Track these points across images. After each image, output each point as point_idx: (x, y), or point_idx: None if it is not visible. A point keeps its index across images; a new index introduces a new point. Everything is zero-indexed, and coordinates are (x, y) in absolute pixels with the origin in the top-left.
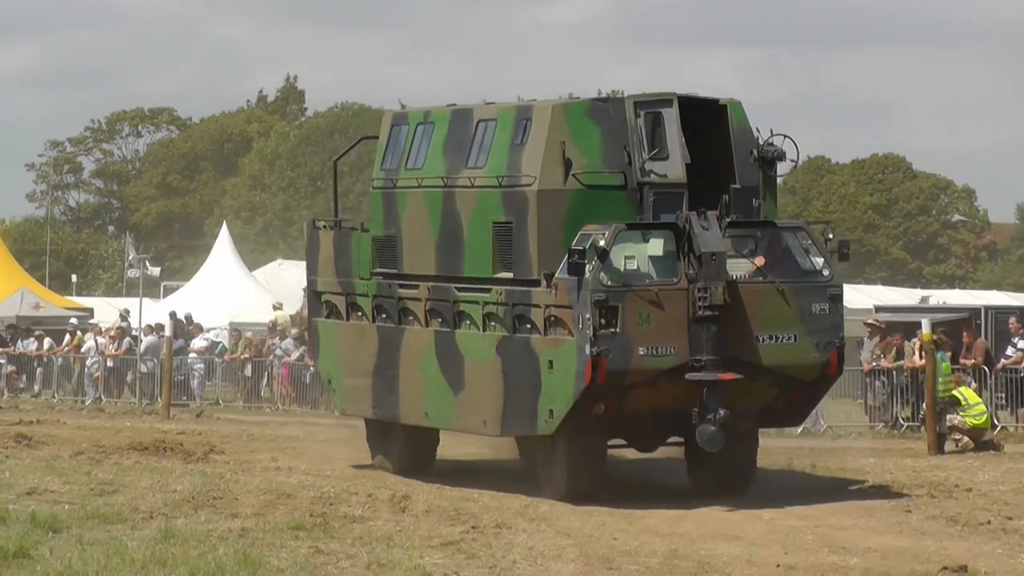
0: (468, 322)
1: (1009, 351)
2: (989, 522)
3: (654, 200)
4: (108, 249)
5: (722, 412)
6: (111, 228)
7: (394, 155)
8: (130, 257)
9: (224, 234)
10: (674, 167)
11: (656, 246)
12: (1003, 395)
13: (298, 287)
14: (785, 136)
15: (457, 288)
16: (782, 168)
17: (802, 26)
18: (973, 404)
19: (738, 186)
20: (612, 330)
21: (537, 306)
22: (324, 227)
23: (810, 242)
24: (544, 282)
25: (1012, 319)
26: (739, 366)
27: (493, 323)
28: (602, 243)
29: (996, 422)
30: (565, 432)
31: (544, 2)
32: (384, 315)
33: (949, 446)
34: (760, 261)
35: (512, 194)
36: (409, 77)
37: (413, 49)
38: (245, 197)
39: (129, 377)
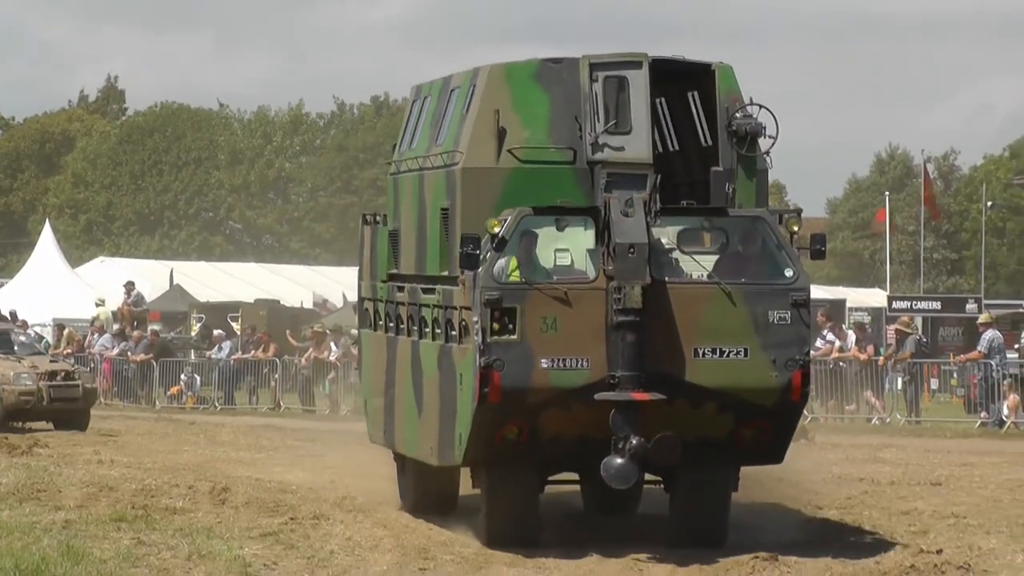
0: (428, 330)
1: (818, 343)
2: (799, 512)
3: (607, 181)
4: None
5: (634, 441)
6: None
7: (406, 135)
8: None
9: (47, 232)
10: (637, 143)
11: (572, 235)
12: (812, 386)
13: (118, 283)
14: (761, 106)
15: (422, 290)
16: (762, 146)
17: (612, 25)
18: None
19: (720, 168)
20: (508, 337)
21: (455, 308)
22: (372, 222)
23: (772, 235)
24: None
25: (820, 312)
26: (667, 385)
27: (438, 330)
28: (498, 230)
29: (806, 413)
30: (480, 462)
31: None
32: (392, 324)
33: None
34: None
35: (450, 175)
36: (227, 76)
37: (231, 48)
38: (68, 195)
39: None
